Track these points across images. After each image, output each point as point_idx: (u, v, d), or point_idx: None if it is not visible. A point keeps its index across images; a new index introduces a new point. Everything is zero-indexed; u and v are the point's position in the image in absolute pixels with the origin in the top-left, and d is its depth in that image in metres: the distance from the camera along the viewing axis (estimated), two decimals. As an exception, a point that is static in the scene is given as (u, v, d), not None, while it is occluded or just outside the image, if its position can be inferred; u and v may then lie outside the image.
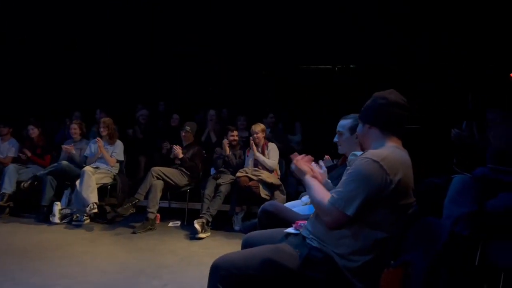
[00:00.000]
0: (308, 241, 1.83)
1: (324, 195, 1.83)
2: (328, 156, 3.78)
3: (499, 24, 5.65)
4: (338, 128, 2.41)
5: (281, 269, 1.76)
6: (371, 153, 1.74)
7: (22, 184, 5.22)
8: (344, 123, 2.39)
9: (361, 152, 1.93)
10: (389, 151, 1.76)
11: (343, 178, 1.79)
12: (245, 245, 2.14)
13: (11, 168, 5.33)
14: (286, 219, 2.36)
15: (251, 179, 4.83)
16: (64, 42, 7.77)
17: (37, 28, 7.50)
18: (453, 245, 1.82)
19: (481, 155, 3.07)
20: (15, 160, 5.67)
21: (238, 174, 4.90)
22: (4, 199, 5.17)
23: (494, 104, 4.12)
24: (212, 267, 1.83)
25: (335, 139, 2.42)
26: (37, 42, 7.71)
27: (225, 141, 5.27)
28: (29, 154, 5.57)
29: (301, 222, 2.06)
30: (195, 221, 4.53)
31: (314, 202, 1.87)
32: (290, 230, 2.03)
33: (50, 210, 5.03)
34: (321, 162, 2.22)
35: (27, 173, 5.42)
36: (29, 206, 5.37)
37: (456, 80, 6.13)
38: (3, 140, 5.79)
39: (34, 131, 5.70)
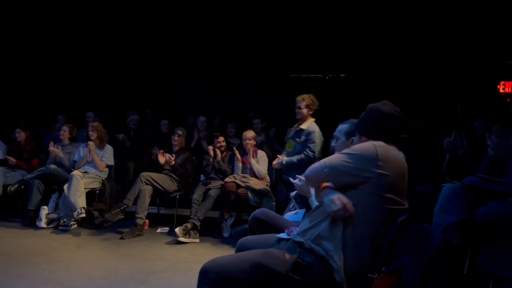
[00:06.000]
0: (302, 244, 1.84)
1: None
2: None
3: (487, 35, 5.75)
4: (335, 133, 2.43)
5: (271, 273, 1.76)
6: (375, 141, 1.87)
7: (9, 187, 5.13)
8: (341, 128, 2.40)
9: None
10: (388, 147, 1.87)
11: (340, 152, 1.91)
12: (239, 250, 2.15)
13: (-2, 171, 5.24)
14: (277, 227, 2.36)
15: (239, 186, 4.83)
16: (54, 44, 7.70)
17: (27, 31, 7.43)
18: (443, 253, 1.83)
19: (469, 165, 3.11)
20: (2, 163, 5.58)
21: (226, 179, 4.90)
22: (-10, 203, 5.08)
23: (482, 114, 4.19)
24: (201, 270, 1.83)
25: (333, 144, 2.44)
26: (27, 44, 7.64)
27: (210, 147, 5.30)
28: (14, 161, 5.48)
29: (293, 228, 2.07)
30: (178, 228, 4.56)
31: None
32: (282, 235, 2.03)
33: (36, 215, 4.95)
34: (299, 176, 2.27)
35: (14, 176, 5.34)
36: (15, 210, 5.28)
37: (445, 91, 6.22)
38: (-11, 144, 5.69)
39: (20, 135, 5.63)
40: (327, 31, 6.75)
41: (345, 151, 1.87)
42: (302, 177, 2.18)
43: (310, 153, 4.26)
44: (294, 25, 6.78)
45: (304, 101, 4.37)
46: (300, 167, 4.16)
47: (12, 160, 5.47)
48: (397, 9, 6.14)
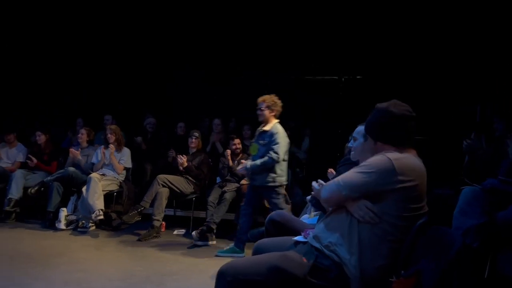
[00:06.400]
0: (318, 248, 1.83)
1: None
2: (332, 170, 3.76)
3: (505, 35, 5.64)
4: (353, 134, 2.40)
5: (288, 276, 1.76)
6: (388, 153, 1.81)
7: (29, 190, 5.23)
8: (359, 129, 2.36)
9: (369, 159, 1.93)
10: (404, 156, 1.81)
11: (355, 168, 1.86)
12: (255, 252, 2.14)
13: (18, 174, 5.36)
14: (294, 229, 2.34)
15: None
16: (73, 47, 7.81)
17: (45, 34, 7.53)
18: (463, 256, 1.80)
19: (489, 166, 3.05)
20: (23, 165, 5.69)
21: (242, 182, 4.92)
22: (11, 205, 5.18)
23: (499, 115, 4.10)
24: (219, 273, 1.83)
25: (350, 144, 2.41)
26: (45, 47, 7.74)
27: (228, 151, 5.28)
28: (35, 161, 5.60)
29: (309, 230, 2.05)
30: (194, 231, 4.61)
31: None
32: (299, 238, 2.02)
33: (56, 216, 5.03)
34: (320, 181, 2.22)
35: (34, 178, 5.44)
36: (35, 212, 5.38)
37: (463, 91, 6.12)
38: (10, 147, 5.81)
39: (41, 138, 5.74)
40: (342, 32, 6.71)
41: (360, 168, 1.83)
42: (321, 181, 2.15)
43: (274, 155, 4.06)
44: (309, 27, 6.76)
45: (265, 103, 4.19)
46: (265, 170, 4.10)
47: (32, 161, 5.58)
48: (413, 10, 6.07)
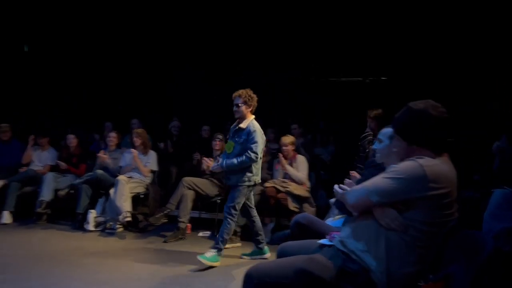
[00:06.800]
0: (345, 252, 1.82)
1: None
2: (355, 173, 3.69)
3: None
4: (379, 136, 2.38)
5: (314, 279, 1.74)
6: (419, 158, 1.74)
7: (59, 192, 5.40)
8: (386, 131, 2.34)
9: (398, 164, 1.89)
10: (436, 162, 1.74)
11: (384, 173, 1.80)
12: (280, 255, 2.14)
13: (49, 176, 5.52)
14: (319, 231, 2.34)
15: (278, 191, 4.84)
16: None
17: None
18: (494, 260, 1.76)
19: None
20: (53, 168, 5.87)
21: (266, 184, 4.93)
22: (42, 206, 5.34)
23: None
24: (246, 275, 1.85)
25: (375, 146, 2.39)
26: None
27: None
28: (65, 166, 5.77)
29: (334, 233, 2.05)
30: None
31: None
32: (324, 241, 2.02)
33: (85, 218, 5.18)
34: (347, 180, 2.20)
35: (64, 181, 5.60)
36: (65, 213, 5.53)
37: (491, 92, 5.98)
38: (42, 150, 6.00)
39: (73, 141, 5.91)
40: (367, 33, 6.65)
41: (389, 174, 1.77)
42: (345, 186, 2.12)
43: (253, 154, 3.85)
44: (333, 29, 6.74)
45: (241, 98, 3.93)
46: (242, 170, 3.92)
47: (63, 165, 5.75)
48: (438, 10, 5.97)
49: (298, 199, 4.82)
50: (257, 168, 4.01)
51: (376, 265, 1.71)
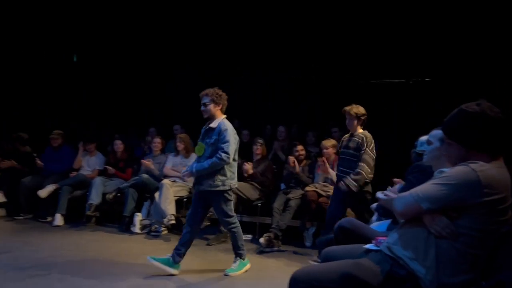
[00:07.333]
0: (393, 257, 1.79)
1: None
2: (399, 180, 3.58)
3: None
4: (429, 138, 2.33)
5: (361, 284, 1.74)
6: (471, 163, 1.67)
7: (107, 195, 5.62)
8: (435, 133, 2.29)
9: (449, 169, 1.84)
10: (490, 167, 1.67)
11: (434, 179, 1.74)
12: (324, 259, 2.14)
13: (98, 180, 5.77)
14: (363, 236, 2.33)
15: (320, 195, 4.81)
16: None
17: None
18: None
19: None
20: (101, 172, 6.13)
21: (307, 188, 4.92)
22: (92, 209, 5.58)
23: None
24: (292, 279, 1.86)
25: (422, 148, 2.35)
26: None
27: (291, 158, 5.25)
28: (113, 171, 6.02)
29: (380, 238, 2.03)
30: (262, 238, 4.64)
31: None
32: (371, 246, 2.00)
33: (131, 221, 5.37)
34: (392, 188, 2.17)
35: (112, 185, 5.83)
36: (112, 216, 5.75)
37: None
38: (90, 155, 6.28)
39: (120, 146, 6.16)
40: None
41: (440, 180, 1.70)
42: (388, 193, 2.08)
43: (224, 155, 3.58)
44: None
45: (209, 96, 3.72)
46: (214, 173, 3.64)
47: (111, 169, 6.01)
48: (480, 8, 5.76)
49: (339, 203, 4.77)
50: (231, 171, 3.76)
51: (425, 273, 1.68)
